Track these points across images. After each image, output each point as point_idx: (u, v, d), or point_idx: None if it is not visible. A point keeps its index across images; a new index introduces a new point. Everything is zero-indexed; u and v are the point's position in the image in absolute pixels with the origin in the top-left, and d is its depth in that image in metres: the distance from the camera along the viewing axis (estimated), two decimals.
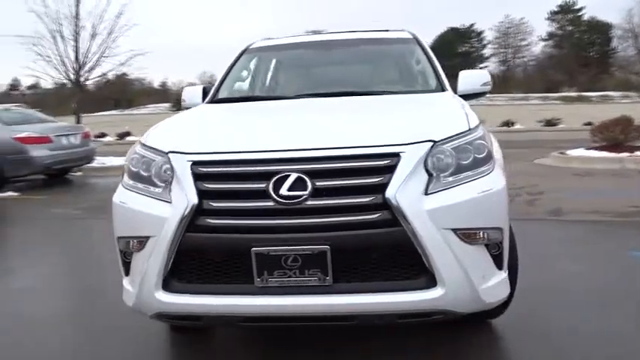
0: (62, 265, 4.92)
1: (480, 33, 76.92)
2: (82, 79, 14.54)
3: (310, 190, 2.20)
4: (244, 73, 4.01)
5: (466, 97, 3.62)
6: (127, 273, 2.53)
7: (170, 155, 2.42)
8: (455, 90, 3.54)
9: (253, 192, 2.24)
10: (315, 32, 4.18)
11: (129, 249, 2.47)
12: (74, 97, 15.55)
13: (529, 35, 73.55)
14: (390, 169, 2.23)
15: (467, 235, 2.28)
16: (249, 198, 2.24)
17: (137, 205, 2.43)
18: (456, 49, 73.66)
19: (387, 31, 4.20)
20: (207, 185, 2.29)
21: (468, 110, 2.73)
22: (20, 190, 9.36)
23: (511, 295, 2.90)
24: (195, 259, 2.31)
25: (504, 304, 2.92)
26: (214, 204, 2.26)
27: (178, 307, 2.33)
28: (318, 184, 2.21)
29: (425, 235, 2.17)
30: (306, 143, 2.34)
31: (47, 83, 37.16)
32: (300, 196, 2.19)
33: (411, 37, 3.99)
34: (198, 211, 2.25)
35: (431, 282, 2.22)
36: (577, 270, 3.96)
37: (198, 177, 2.32)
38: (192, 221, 2.25)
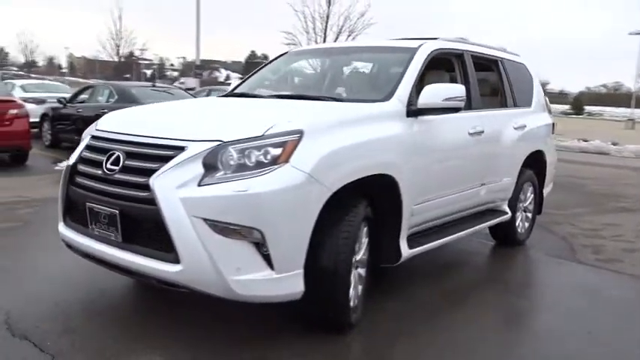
0: None
1: None
2: None
3: (121, 167, 2.84)
4: (274, 74, 4.59)
5: (429, 111, 3.51)
6: None
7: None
8: None
9: (97, 162, 2.99)
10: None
11: None
12: None
13: None
14: (168, 159, 2.68)
15: (219, 227, 2.56)
16: (95, 166, 3.00)
17: (70, 160, 3.42)
18: None
19: (409, 39, 4.17)
20: (84, 152, 3.14)
21: (301, 117, 2.93)
22: None
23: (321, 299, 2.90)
24: (72, 204, 3.18)
25: (320, 308, 2.94)
26: (80, 167, 3.10)
27: (64, 237, 3.24)
28: (126, 162, 2.83)
29: (170, 218, 2.58)
30: (130, 129, 2.96)
31: None
32: (114, 170, 2.85)
33: (415, 47, 3.91)
34: (75, 171, 3.12)
35: (177, 258, 2.61)
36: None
37: (87, 146, 3.18)
38: (71, 177, 3.13)
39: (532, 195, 5.39)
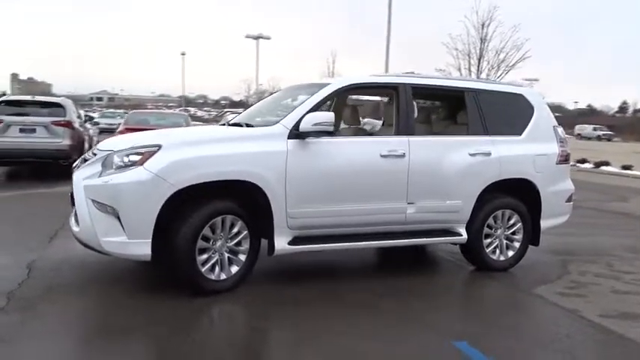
0: None
1: None
2: None
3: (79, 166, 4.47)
4: (261, 106, 5.79)
5: (311, 134, 4.34)
6: None
7: None
8: None
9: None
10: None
11: None
12: None
13: None
14: (87, 160, 4.21)
15: (97, 204, 3.95)
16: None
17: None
18: None
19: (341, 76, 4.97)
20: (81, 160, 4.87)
21: (170, 136, 4.22)
22: None
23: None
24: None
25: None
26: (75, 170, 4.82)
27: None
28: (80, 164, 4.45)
29: (76, 197, 4.07)
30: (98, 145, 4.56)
31: None
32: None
33: (327, 83, 4.73)
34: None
35: (78, 223, 4.08)
36: None
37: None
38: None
39: (519, 224, 5.35)
